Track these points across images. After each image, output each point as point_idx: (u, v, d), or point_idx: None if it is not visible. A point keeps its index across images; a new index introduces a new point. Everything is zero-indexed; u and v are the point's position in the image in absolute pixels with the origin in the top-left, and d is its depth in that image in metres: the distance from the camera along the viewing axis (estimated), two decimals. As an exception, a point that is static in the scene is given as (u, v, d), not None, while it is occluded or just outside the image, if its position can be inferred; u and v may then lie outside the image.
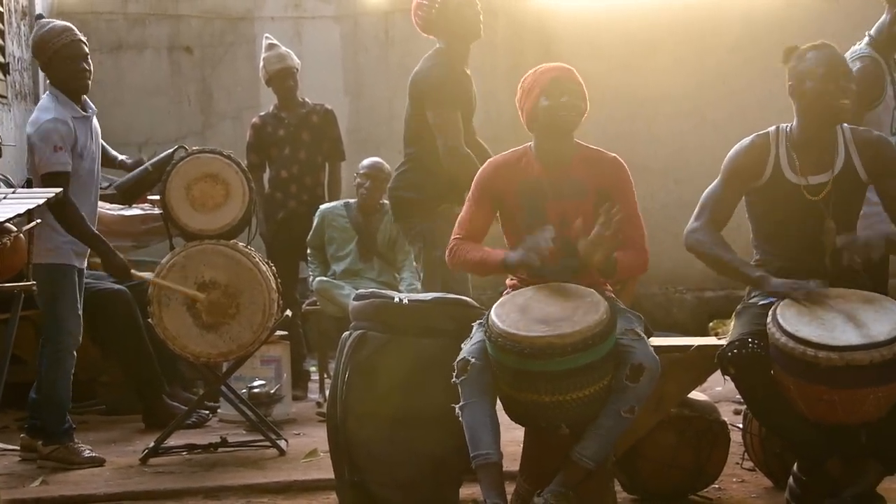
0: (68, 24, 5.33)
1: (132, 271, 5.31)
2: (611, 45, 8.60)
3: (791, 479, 4.12)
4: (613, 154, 4.26)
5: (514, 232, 4.26)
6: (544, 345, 3.76)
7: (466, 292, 4.90)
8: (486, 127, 5.48)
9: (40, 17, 5.63)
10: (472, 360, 3.90)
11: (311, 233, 6.90)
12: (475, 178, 4.33)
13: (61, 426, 5.26)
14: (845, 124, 4.20)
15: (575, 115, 4.16)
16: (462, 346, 4.01)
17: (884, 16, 4.97)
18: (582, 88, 4.18)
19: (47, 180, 5.08)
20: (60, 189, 4.94)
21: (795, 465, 4.11)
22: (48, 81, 5.36)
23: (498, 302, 4.01)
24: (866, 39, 4.88)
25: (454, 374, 3.92)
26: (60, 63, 5.20)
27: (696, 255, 4.25)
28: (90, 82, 5.28)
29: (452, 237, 4.31)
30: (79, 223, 5.13)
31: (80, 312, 5.29)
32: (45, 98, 5.32)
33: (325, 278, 6.71)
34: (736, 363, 3.95)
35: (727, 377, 4.05)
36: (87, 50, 5.27)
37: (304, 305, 6.99)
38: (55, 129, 5.10)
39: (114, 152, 5.68)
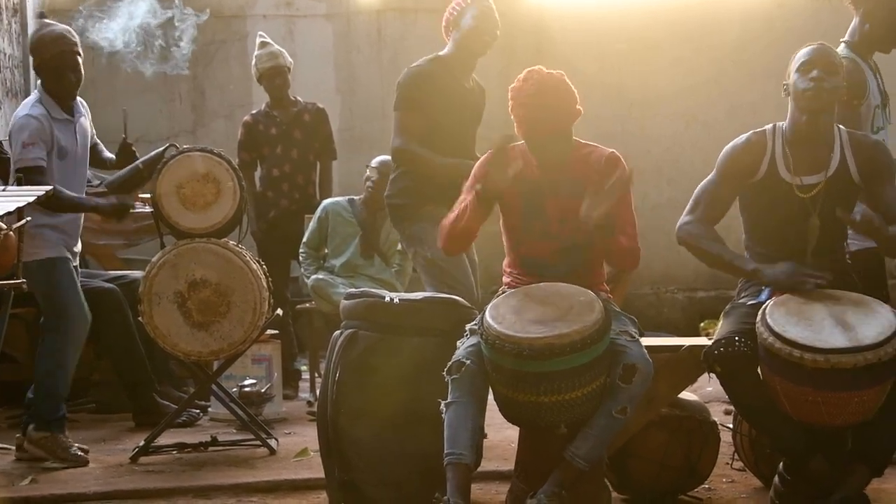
0: (66, 29, 5.34)
1: (128, 203, 5.40)
2: (603, 45, 8.60)
3: (776, 479, 4.13)
4: (611, 150, 4.25)
5: (512, 229, 4.27)
6: (543, 346, 3.76)
7: (464, 293, 4.86)
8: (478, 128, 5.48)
9: (42, 15, 5.62)
10: (468, 362, 3.90)
11: (309, 231, 6.87)
12: (474, 169, 4.32)
13: (56, 414, 5.25)
14: (842, 126, 4.22)
15: (567, 147, 4.17)
16: (459, 344, 4.00)
17: (854, 20, 5.05)
18: (564, 107, 4.14)
19: (24, 175, 5.13)
20: (51, 187, 4.94)
21: (781, 464, 4.12)
22: (39, 82, 5.38)
23: (491, 304, 4.00)
24: (842, 45, 4.94)
25: (446, 372, 3.92)
26: (50, 71, 5.28)
27: (688, 249, 4.24)
28: (77, 91, 5.35)
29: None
30: (69, 202, 5.19)
31: (86, 305, 5.30)
32: (32, 95, 5.36)
33: (321, 276, 6.71)
34: (722, 361, 3.95)
35: (713, 375, 4.05)
36: (79, 59, 5.33)
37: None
38: (26, 124, 5.17)
39: (105, 154, 5.68)
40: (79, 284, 5.31)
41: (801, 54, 4.16)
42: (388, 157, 6.84)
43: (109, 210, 5.37)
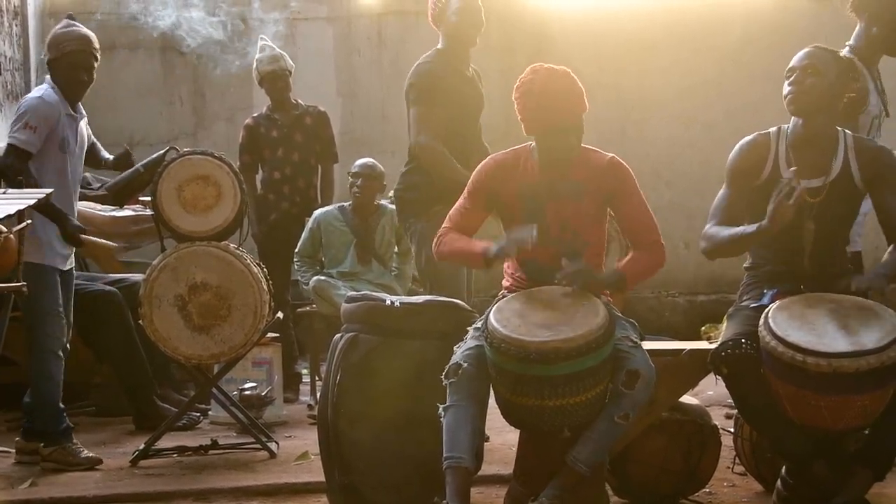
0: (90, 33, 5.35)
1: (86, 237, 5.29)
2: (603, 46, 8.60)
3: (779, 483, 4.13)
4: (611, 154, 4.24)
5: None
6: (550, 350, 3.76)
7: (458, 294, 4.89)
8: (478, 129, 5.49)
9: (71, 17, 5.61)
10: (465, 364, 3.89)
11: (301, 241, 6.87)
12: (474, 172, 4.32)
13: (58, 427, 5.25)
14: (848, 131, 4.22)
15: (576, 142, 4.15)
16: (455, 348, 4.00)
17: (858, 25, 5.03)
18: (580, 103, 4.14)
19: (7, 151, 5.12)
20: (51, 190, 4.94)
21: (784, 468, 4.12)
22: (48, 77, 5.37)
23: (495, 307, 3.99)
24: (847, 49, 4.91)
25: (444, 375, 3.91)
26: (65, 66, 5.26)
27: (716, 254, 4.21)
28: (85, 92, 5.34)
29: (441, 228, 4.30)
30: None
31: (65, 314, 5.27)
32: (44, 84, 5.34)
33: (322, 277, 6.70)
34: (729, 363, 3.95)
35: (719, 377, 4.05)
36: (94, 63, 5.33)
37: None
38: (37, 107, 5.16)
39: (104, 153, 5.68)
40: (59, 293, 5.25)
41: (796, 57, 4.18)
42: (371, 161, 6.89)
43: (66, 230, 5.16)
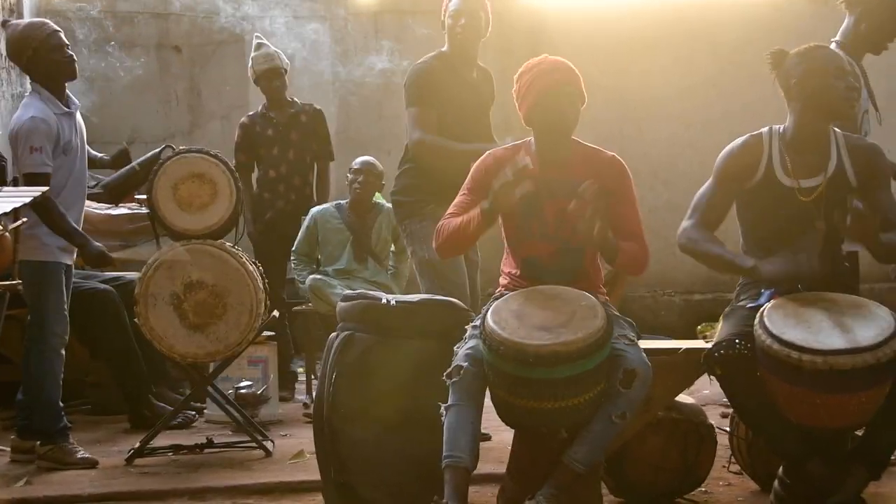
0: (42, 19, 5.31)
1: (109, 256, 5.30)
2: (600, 46, 8.59)
3: (776, 483, 4.12)
4: (612, 153, 4.24)
5: (511, 229, 4.24)
6: (549, 353, 3.73)
7: (457, 295, 4.87)
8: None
9: (6, 21, 5.58)
10: (465, 365, 3.87)
11: (298, 239, 6.87)
12: (473, 167, 4.31)
13: (56, 426, 5.24)
14: (838, 129, 4.22)
15: (573, 120, 4.15)
16: (456, 349, 3.98)
17: (846, 19, 5.02)
18: (578, 86, 4.16)
19: (27, 180, 5.10)
20: (47, 188, 4.92)
21: (781, 468, 4.11)
22: (28, 84, 5.34)
23: (492, 307, 3.96)
24: (834, 45, 4.90)
25: (447, 376, 3.90)
26: (46, 55, 5.21)
27: (689, 254, 4.23)
28: (76, 69, 5.29)
29: (441, 220, 4.28)
30: (58, 219, 5.11)
31: (67, 311, 5.27)
32: (28, 97, 5.31)
33: (318, 276, 6.70)
34: (723, 364, 3.94)
35: (713, 378, 4.04)
36: (66, 39, 5.29)
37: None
38: (34, 128, 5.11)
39: (93, 152, 5.65)
40: (64, 291, 5.26)
41: (824, 58, 4.14)
42: (372, 158, 6.92)
43: (91, 255, 5.23)
